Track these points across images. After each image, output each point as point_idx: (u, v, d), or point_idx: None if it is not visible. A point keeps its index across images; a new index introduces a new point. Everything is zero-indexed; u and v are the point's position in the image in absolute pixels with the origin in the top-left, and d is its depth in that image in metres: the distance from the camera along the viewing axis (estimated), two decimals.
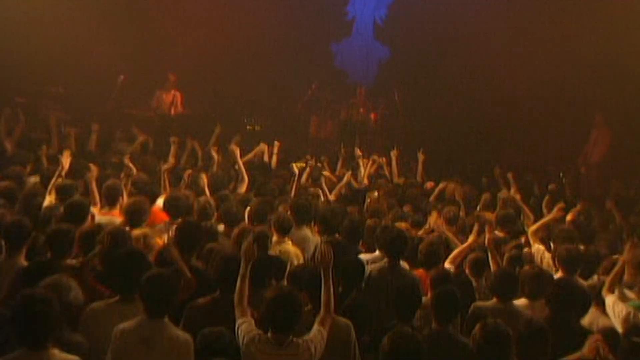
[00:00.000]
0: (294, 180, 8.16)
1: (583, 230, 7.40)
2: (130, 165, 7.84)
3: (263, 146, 9.49)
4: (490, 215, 7.70)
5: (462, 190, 8.77)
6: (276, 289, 4.18)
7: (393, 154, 9.85)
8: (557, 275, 5.71)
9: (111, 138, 10.18)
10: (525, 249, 6.57)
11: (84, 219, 5.78)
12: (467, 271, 5.79)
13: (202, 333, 3.91)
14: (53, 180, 6.64)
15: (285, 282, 5.00)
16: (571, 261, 5.78)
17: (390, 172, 9.64)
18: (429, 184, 9.33)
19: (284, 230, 6.01)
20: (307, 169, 8.71)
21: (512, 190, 8.80)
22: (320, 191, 7.95)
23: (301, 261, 5.79)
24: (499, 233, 6.99)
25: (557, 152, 12.44)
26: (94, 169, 6.85)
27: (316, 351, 4.02)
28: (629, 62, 11.13)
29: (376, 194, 8.47)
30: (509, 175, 9.01)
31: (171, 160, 8.30)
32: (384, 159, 9.95)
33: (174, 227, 5.68)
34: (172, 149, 8.55)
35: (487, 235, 5.98)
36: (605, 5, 11.71)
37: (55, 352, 3.63)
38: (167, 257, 4.91)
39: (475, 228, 6.23)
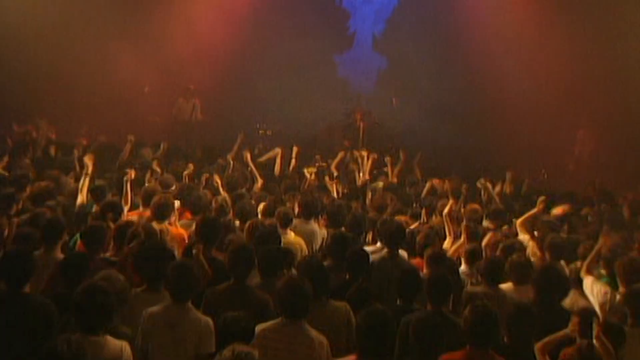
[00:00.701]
0: (305, 181, 8.22)
1: (568, 221, 7.41)
2: (157, 169, 7.90)
3: (278, 150, 9.49)
4: (477, 207, 7.72)
5: (450, 185, 8.81)
6: (286, 279, 4.18)
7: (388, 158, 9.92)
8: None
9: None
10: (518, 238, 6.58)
11: (118, 216, 5.83)
12: (463, 260, 5.80)
13: (222, 317, 3.90)
14: (82, 181, 6.67)
15: (294, 271, 5.00)
16: (556, 248, 5.82)
17: (392, 172, 9.67)
18: (435, 181, 9.26)
19: (285, 223, 6.02)
20: (315, 170, 8.75)
21: (506, 186, 8.86)
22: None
23: (304, 249, 5.79)
24: (489, 225, 7.02)
25: (543, 151, 12.38)
26: (131, 173, 6.85)
27: (322, 352, 3.97)
28: (616, 65, 11.08)
29: (381, 184, 8.49)
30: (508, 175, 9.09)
31: (191, 166, 8.34)
32: (389, 158, 9.98)
33: (195, 222, 5.73)
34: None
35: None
36: (595, 12, 11.64)
37: (108, 337, 3.68)
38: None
39: (466, 228, 6.27)
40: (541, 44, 12.18)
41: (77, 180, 7.11)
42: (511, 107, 12.69)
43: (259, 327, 3.96)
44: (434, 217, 7.26)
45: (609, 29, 11.28)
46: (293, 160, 9.49)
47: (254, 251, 4.78)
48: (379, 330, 3.71)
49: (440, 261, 5.22)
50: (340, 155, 10.15)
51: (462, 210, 7.45)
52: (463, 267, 5.72)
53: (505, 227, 7.00)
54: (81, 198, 6.51)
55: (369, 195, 8.17)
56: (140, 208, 6.52)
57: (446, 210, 6.60)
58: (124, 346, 3.69)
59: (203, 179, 7.81)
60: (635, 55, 10.79)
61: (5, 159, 7.72)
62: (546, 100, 12.39)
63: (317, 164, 9.59)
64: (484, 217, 7.24)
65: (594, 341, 3.89)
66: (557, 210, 7.45)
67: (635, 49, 10.85)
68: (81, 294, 3.69)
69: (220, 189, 7.36)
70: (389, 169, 9.75)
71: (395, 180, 9.26)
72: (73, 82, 12.22)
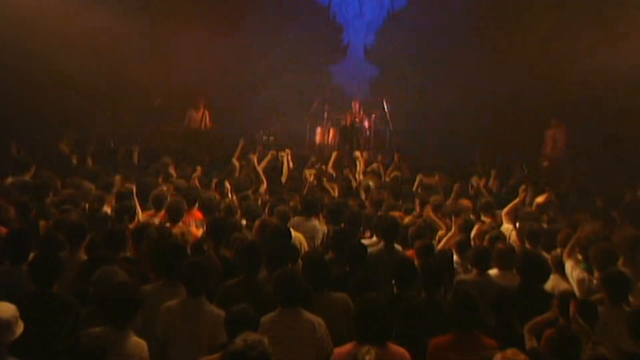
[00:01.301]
0: (305, 183, 8.24)
1: (546, 212, 7.42)
2: (173, 172, 7.95)
3: (273, 153, 9.50)
4: (467, 202, 7.72)
5: (439, 182, 8.84)
6: (279, 271, 4.17)
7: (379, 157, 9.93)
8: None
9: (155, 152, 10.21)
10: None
11: (132, 219, 5.83)
12: (453, 250, 5.80)
13: (230, 310, 3.87)
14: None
15: (300, 264, 4.98)
16: (535, 236, 5.83)
17: (384, 171, 9.68)
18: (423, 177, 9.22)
19: (283, 221, 6.03)
20: (315, 172, 8.74)
21: (491, 181, 8.87)
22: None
23: (303, 244, 5.79)
24: (483, 217, 7.04)
25: (520, 150, 12.40)
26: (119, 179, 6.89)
27: (321, 333, 3.97)
28: (580, 69, 11.07)
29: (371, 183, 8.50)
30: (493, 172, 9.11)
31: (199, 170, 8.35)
32: (380, 157, 9.98)
33: (206, 222, 5.73)
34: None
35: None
36: (562, 10, 11.67)
37: (131, 332, 3.67)
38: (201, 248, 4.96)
39: (458, 221, 6.28)
40: (514, 48, 12.23)
41: (99, 188, 7.13)
42: (491, 110, 12.71)
43: (261, 319, 3.94)
44: (427, 211, 7.24)
45: (575, 27, 11.28)
46: (290, 163, 9.50)
47: (262, 248, 4.78)
48: (374, 316, 3.70)
49: (429, 253, 5.21)
50: (335, 155, 10.15)
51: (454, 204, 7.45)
52: (456, 258, 5.72)
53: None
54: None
55: (363, 194, 8.15)
56: (152, 210, 6.54)
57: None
58: (144, 344, 3.69)
59: (213, 183, 7.83)
60: (600, 52, 10.76)
61: (32, 168, 7.72)
62: (519, 102, 12.42)
63: (316, 166, 9.60)
64: (475, 211, 7.26)
65: (571, 321, 3.91)
66: (540, 199, 7.46)
67: (599, 47, 10.83)
68: (111, 291, 3.69)
69: (229, 193, 7.38)
70: (380, 168, 9.75)
71: (388, 179, 9.25)
72: (93, 96, 12.27)
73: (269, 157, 9.25)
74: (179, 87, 13.22)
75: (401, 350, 3.76)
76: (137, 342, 3.67)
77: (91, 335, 3.44)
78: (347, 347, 3.76)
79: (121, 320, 3.66)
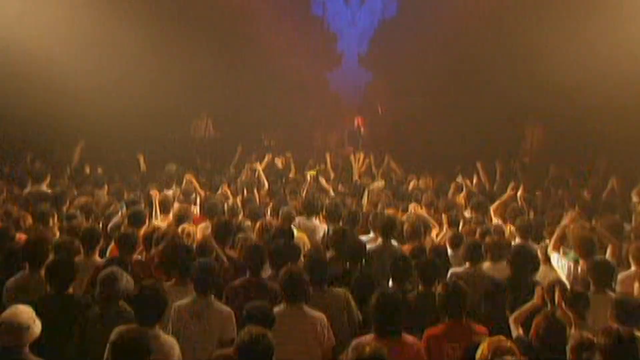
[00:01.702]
0: (306, 183, 8.27)
1: (534, 205, 7.43)
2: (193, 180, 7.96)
3: (269, 157, 9.53)
4: (460, 199, 7.73)
5: (431, 181, 8.86)
6: (286, 269, 4.18)
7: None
8: (515, 242, 5.75)
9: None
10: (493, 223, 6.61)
11: (142, 223, 5.86)
12: (447, 244, 5.82)
13: (247, 306, 3.85)
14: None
15: (302, 261, 5.00)
16: (524, 230, 5.84)
17: (378, 173, 9.71)
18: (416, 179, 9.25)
19: (288, 221, 6.07)
20: (316, 173, 8.76)
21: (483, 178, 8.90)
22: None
23: (306, 243, 5.80)
24: (473, 214, 7.05)
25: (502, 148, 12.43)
26: (156, 193, 6.91)
27: (322, 328, 3.98)
28: (554, 70, 11.10)
29: (377, 184, 8.51)
30: (478, 165, 9.09)
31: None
32: (372, 158, 10.01)
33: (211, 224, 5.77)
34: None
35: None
36: (539, 13, 11.68)
37: (160, 332, 3.67)
38: (207, 249, 4.97)
39: (447, 217, 6.29)
40: (499, 52, 12.27)
41: (110, 193, 7.16)
42: (474, 108, 12.72)
43: None
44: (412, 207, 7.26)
45: (552, 28, 11.28)
46: (292, 166, 9.54)
47: (265, 248, 4.81)
48: (392, 311, 3.72)
49: (420, 254, 5.21)
50: (333, 156, 10.17)
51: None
52: (450, 252, 5.74)
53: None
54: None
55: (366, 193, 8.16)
56: (161, 215, 6.56)
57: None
58: (175, 342, 3.69)
59: (222, 187, 7.89)
60: (574, 53, 10.76)
61: (48, 178, 7.77)
62: (502, 102, 12.46)
63: (317, 168, 9.63)
64: (467, 208, 7.27)
65: (558, 308, 3.93)
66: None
67: (573, 46, 10.82)
68: (144, 291, 3.71)
69: (229, 195, 7.41)
70: (373, 168, 9.78)
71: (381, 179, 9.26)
72: (99, 107, 12.26)
73: (266, 160, 9.27)
74: (181, 95, 13.24)
75: (415, 340, 3.78)
76: (170, 341, 3.67)
77: (130, 333, 3.40)
78: (367, 339, 3.76)
79: (151, 319, 3.65)
